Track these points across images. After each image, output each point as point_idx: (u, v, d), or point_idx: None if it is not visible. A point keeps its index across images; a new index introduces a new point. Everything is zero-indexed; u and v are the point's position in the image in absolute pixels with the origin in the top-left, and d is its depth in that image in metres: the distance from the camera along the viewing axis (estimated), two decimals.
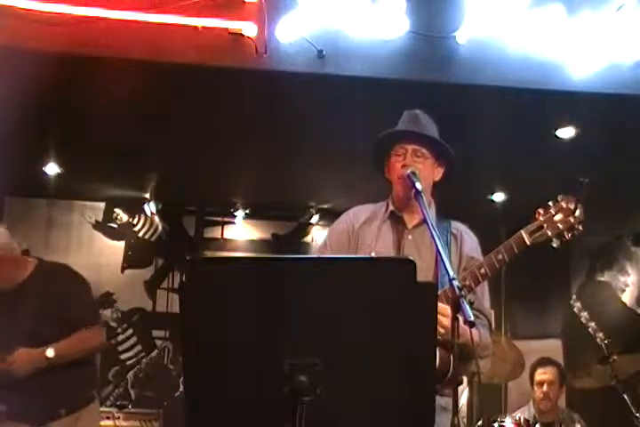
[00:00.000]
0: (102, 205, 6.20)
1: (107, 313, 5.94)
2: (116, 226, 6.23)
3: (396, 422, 1.59)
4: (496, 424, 3.89)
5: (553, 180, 4.64)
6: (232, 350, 1.54)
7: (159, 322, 6.11)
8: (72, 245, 6.10)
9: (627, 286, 6.42)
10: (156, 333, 6.12)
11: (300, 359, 1.49)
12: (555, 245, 2.31)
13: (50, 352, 3.19)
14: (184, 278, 1.82)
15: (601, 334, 4.77)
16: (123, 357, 5.97)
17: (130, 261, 6.21)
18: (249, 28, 3.50)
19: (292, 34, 3.53)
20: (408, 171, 2.46)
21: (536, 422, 4.50)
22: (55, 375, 3.21)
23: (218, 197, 6.08)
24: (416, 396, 1.59)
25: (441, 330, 2.10)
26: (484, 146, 4.24)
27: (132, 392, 5.96)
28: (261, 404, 1.56)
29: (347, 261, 1.80)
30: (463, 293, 1.95)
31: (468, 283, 2.31)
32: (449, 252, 2.47)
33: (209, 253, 6.23)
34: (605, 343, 4.67)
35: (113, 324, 5.97)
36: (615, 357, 4.39)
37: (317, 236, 6.27)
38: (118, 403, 5.54)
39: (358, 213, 2.67)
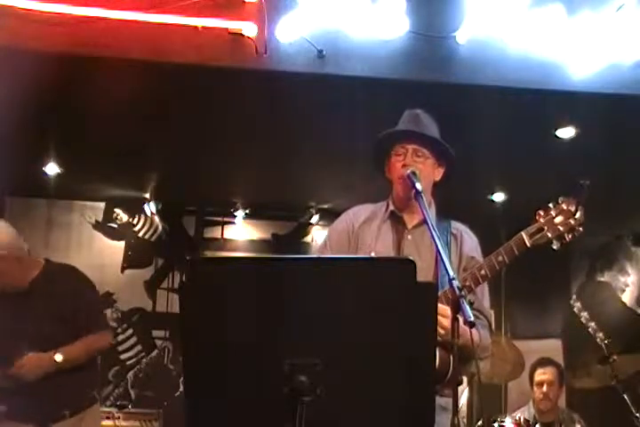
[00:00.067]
0: (102, 205, 6.20)
1: (107, 313, 5.93)
2: (115, 226, 6.23)
3: (396, 422, 1.59)
4: (496, 424, 3.89)
5: (553, 180, 4.65)
6: (232, 350, 1.54)
7: (159, 322, 6.11)
8: (72, 245, 6.10)
9: (627, 285, 6.41)
10: (156, 333, 6.13)
11: (300, 359, 1.49)
12: (555, 247, 2.32)
13: (59, 357, 3.21)
14: (184, 278, 1.82)
15: (601, 334, 4.77)
16: (123, 357, 5.97)
17: (130, 261, 6.21)
18: (249, 28, 3.50)
19: (292, 34, 3.53)
20: (408, 171, 2.46)
21: (536, 423, 4.50)
22: (59, 377, 3.23)
23: (218, 197, 6.08)
24: (416, 396, 1.59)
25: (441, 331, 2.10)
26: (484, 146, 4.24)
27: (131, 392, 5.96)
28: (261, 404, 1.56)
29: (347, 261, 1.80)
30: (463, 293, 1.95)
31: (468, 284, 2.31)
32: (449, 252, 2.47)
33: (209, 253, 6.23)
34: (605, 343, 4.66)
35: (113, 324, 5.96)
36: (615, 357, 4.39)
37: (317, 236, 6.27)
38: (118, 403, 5.54)
39: (358, 213, 2.67)
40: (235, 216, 6.23)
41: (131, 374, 5.99)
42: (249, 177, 5.46)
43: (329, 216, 5.78)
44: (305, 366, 1.49)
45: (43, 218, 6.02)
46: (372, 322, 1.55)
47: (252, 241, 6.39)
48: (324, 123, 4.19)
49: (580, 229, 2.29)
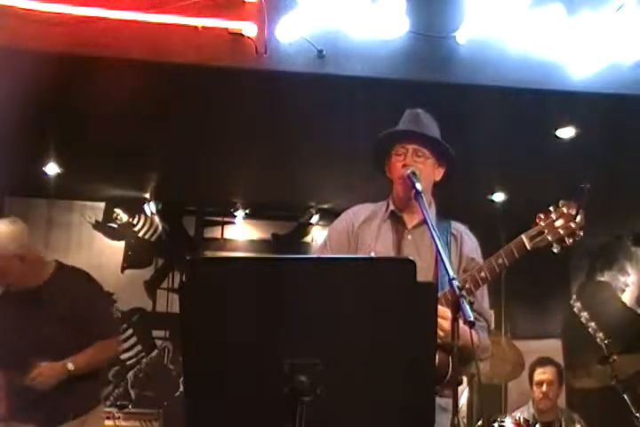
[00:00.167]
0: (102, 205, 6.20)
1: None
2: (116, 226, 6.23)
3: (396, 423, 1.59)
4: (496, 424, 3.89)
5: (553, 180, 4.67)
6: (232, 350, 1.54)
7: (159, 322, 6.11)
8: (72, 245, 6.10)
9: (627, 285, 6.41)
10: (156, 333, 6.13)
11: (300, 359, 1.49)
12: (555, 250, 2.32)
13: (71, 366, 3.22)
14: (184, 278, 1.82)
15: (601, 334, 4.78)
16: (123, 357, 5.95)
17: (130, 261, 6.21)
18: (249, 28, 3.50)
19: (292, 34, 3.53)
20: (408, 171, 2.46)
21: (536, 423, 4.50)
22: (66, 381, 3.23)
23: (218, 197, 6.08)
24: (416, 396, 1.59)
25: (440, 333, 2.09)
26: (484, 146, 4.24)
27: (131, 392, 5.95)
28: (261, 404, 1.56)
29: (347, 261, 1.81)
30: (463, 293, 1.95)
31: (468, 286, 2.31)
32: (449, 252, 2.47)
33: (209, 253, 6.23)
34: (605, 343, 4.67)
35: None
36: (615, 357, 4.39)
37: (317, 236, 6.27)
38: (118, 403, 5.55)
39: (358, 213, 2.67)
40: (235, 216, 6.23)
41: (131, 374, 5.99)
42: (249, 177, 5.46)
43: (329, 216, 5.78)
44: (305, 366, 1.49)
45: (43, 218, 6.02)
46: (371, 322, 1.55)
47: (252, 241, 6.39)
48: (324, 123, 4.18)
49: (581, 232, 2.29)
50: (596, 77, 3.69)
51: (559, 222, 2.31)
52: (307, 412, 1.46)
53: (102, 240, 6.18)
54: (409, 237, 2.57)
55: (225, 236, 6.38)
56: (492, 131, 4.13)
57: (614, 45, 3.68)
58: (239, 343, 1.54)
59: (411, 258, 1.58)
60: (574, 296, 6.38)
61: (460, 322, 1.91)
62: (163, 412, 5.36)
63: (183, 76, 3.69)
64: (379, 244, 2.55)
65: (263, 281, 1.54)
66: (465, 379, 3.95)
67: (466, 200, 4.59)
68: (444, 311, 2.11)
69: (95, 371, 3.45)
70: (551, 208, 2.34)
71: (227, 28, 3.50)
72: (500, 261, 2.32)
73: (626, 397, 4.19)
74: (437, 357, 2.06)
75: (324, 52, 3.54)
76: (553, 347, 6.19)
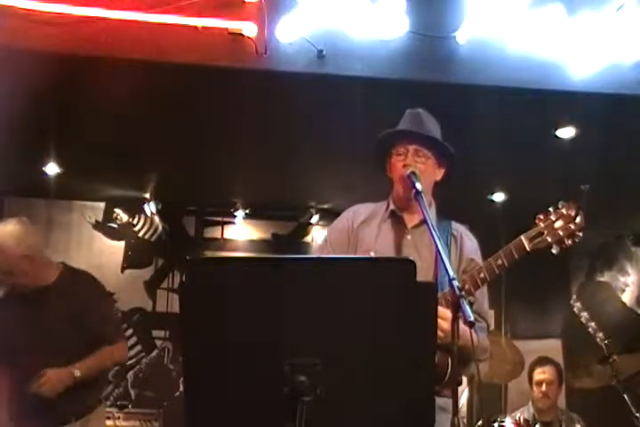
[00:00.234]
0: (102, 205, 6.20)
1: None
2: (116, 226, 6.23)
3: (396, 423, 1.59)
4: (496, 424, 3.90)
5: (553, 180, 4.68)
6: (232, 349, 1.55)
7: (159, 322, 6.11)
8: (72, 245, 6.09)
9: (627, 285, 6.41)
10: (156, 333, 6.12)
11: (300, 359, 1.49)
12: (554, 251, 2.31)
13: (77, 372, 3.21)
14: (184, 278, 1.82)
15: (601, 334, 4.78)
16: None
17: (130, 261, 6.21)
18: (249, 28, 3.50)
19: (292, 34, 3.53)
20: (408, 171, 2.46)
21: (536, 422, 4.50)
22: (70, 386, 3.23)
23: (218, 197, 6.07)
24: (416, 396, 1.59)
25: (440, 334, 2.08)
26: (484, 146, 4.24)
27: (131, 392, 5.95)
28: (261, 404, 1.56)
29: (347, 261, 1.81)
30: (463, 293, 1.94)
31: (467, 287, 2.31)
32: (449, 253, 2.46)
33: (209, 253, 6.23)
34: (605, 343, 4.68)
35: None
36: (615, 357, 4.39)
37: (317, 236, 6.27)
38: (118, 403, 5.55)
39: (358, 212, 2.67)
40: (235, 216, 6.23)
41: (131, 374, 5.99)
42: (249, 177, 5.46)
43: (329, 216, 5.78)
44: (305, 366, 1.49)
45: (43, 218, 6.00)
46: (371, 322, 1.55)
47: (252, 241, 6.39)
48: (324, 123, 4.18)
49: (580, 233, 2.29)
50: (595, 77, 3.69)
51: (559, 224, 2.30)
52: (307, 412, 1.46)
53: (102, 240, 6.18)
54: (409, 236, 2.57)
55: (225, 236, 6.38)
56: (492, 131, 4.13)
57: (614, 45, 3.68)
58: (239, 343, 1.54)
59: (411, 258, 1.58)
60: (574, 296, 6.38)
61: (460, 322, 1.91)
62: (163, 412, 5.36)
63: (183, 76, 3.69)
64: (378, 243, 2.55)
65: (263, 281, 1.54)
66: (465, 379, 3.95)
67: (466, 200, 4.59)
68: (444, 312, 2.11)
69: (101, 375, 3.46)
70: (551, 209, 2.34)
71: (227, 28, 3.50)
72: (500, 262, 2.32)
73: (626, 397, 4.19)
74: (437, 357, 2.07)
75: (324, 52, 3.54)
76: (553, 347, 6.19)
